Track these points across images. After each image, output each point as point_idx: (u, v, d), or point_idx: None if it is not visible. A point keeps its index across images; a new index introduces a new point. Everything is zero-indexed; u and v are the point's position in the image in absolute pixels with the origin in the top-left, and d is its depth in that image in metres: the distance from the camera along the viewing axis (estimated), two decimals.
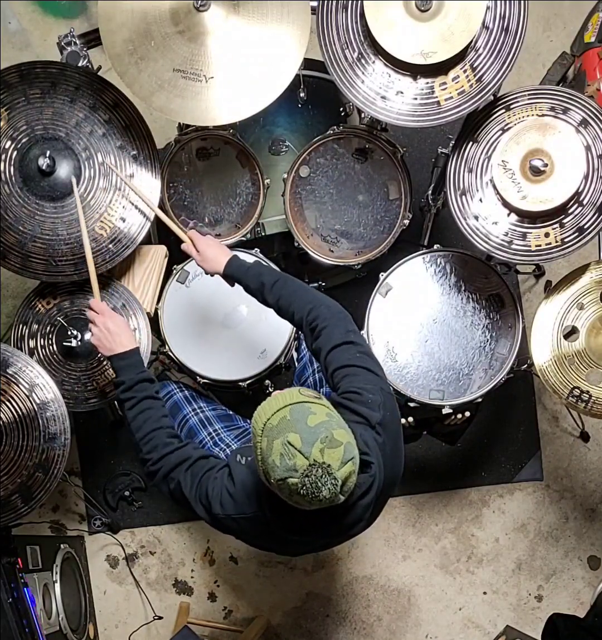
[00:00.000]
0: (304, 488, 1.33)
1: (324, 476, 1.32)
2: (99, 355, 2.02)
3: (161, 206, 2.13)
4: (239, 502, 1.56)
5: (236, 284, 1.88)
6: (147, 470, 1.73)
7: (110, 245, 2.02)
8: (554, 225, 1.98)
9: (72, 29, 2.03)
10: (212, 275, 1.92)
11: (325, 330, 1.68)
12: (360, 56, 1.93)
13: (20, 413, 1.98)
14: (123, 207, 2.01)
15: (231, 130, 2.16)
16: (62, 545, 2.56)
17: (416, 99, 1.92)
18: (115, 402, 2.04)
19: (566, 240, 1.97)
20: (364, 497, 1.49)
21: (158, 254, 2.14)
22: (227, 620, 2.78)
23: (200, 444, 2.08)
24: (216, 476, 1.61)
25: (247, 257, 2.07)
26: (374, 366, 1.64)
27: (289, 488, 1.34)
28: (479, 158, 2.02)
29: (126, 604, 2.81)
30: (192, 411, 2.15)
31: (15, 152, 1.95)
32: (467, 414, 2.24)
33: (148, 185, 2.03)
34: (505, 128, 2.00)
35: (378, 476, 1.51)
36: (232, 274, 1.86)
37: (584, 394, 2.08)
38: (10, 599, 2.10)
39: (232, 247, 2.24)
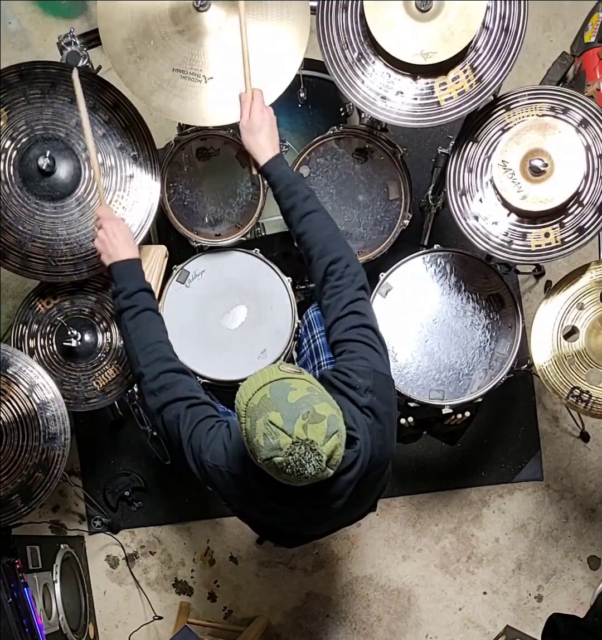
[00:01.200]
0: (289, 466, 1.31)
1: (307, 453, 1.31)
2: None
3: (161, 206, 2.12)
4: (231, 457, 1.53)
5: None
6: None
7: None
8: (554, 225, 1.98)
9: (72, 29, 2.03)
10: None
11: (337, 294, 1.66)
12: (360, 56, 1.93)
13: (20, 413, 1.98)
14: (123, 207, 2.01)
15: (231, 130, 2.15)
16: (62, 545, 2.56)
17: (416, 99, 1.92)
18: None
19: (566, 240, 1.97)
20: (346, 473, 1.47)
21: (158, 254, 2.14)
22: (227, 620, 2.78)
23: None
24: (214, 425, 1.58)
25: None
26: (374, 341, 1.63)
27: (275, 467, 1.33)
28: (479, 158, 2.02)
29: (126, 604, 2.81)
30: None
31: (15, 152, 1.95)
32: (467, 414, 2.24)
33: (148, 185, 2.03)
34: (505, 128, 2.00)
35: (363, 453, 1.49)
36: (269, 175, 1.78)
37: (584, 394, 2.08)
38: (10, 599, 2.11)
39: (232, 246, 2.24)
